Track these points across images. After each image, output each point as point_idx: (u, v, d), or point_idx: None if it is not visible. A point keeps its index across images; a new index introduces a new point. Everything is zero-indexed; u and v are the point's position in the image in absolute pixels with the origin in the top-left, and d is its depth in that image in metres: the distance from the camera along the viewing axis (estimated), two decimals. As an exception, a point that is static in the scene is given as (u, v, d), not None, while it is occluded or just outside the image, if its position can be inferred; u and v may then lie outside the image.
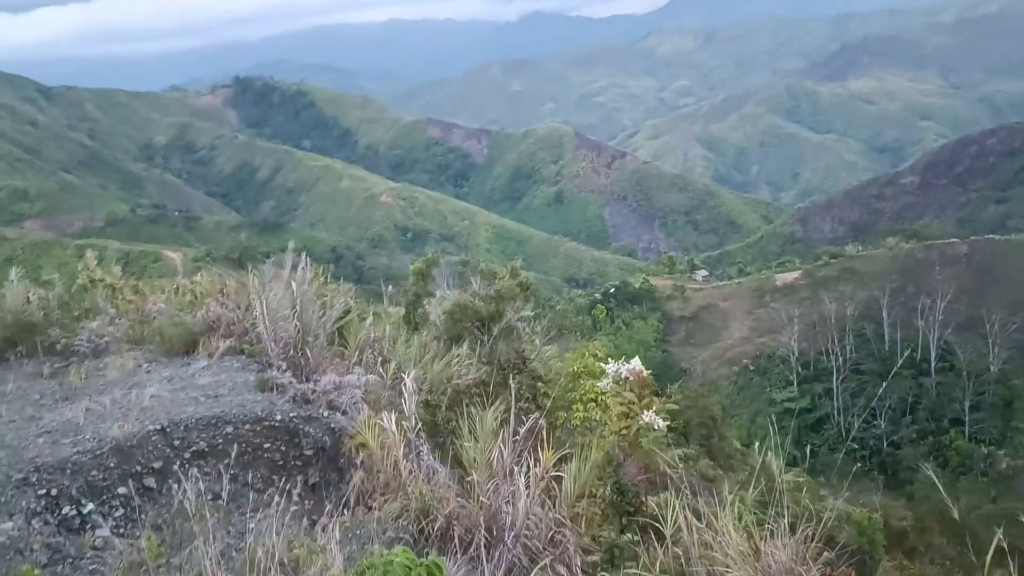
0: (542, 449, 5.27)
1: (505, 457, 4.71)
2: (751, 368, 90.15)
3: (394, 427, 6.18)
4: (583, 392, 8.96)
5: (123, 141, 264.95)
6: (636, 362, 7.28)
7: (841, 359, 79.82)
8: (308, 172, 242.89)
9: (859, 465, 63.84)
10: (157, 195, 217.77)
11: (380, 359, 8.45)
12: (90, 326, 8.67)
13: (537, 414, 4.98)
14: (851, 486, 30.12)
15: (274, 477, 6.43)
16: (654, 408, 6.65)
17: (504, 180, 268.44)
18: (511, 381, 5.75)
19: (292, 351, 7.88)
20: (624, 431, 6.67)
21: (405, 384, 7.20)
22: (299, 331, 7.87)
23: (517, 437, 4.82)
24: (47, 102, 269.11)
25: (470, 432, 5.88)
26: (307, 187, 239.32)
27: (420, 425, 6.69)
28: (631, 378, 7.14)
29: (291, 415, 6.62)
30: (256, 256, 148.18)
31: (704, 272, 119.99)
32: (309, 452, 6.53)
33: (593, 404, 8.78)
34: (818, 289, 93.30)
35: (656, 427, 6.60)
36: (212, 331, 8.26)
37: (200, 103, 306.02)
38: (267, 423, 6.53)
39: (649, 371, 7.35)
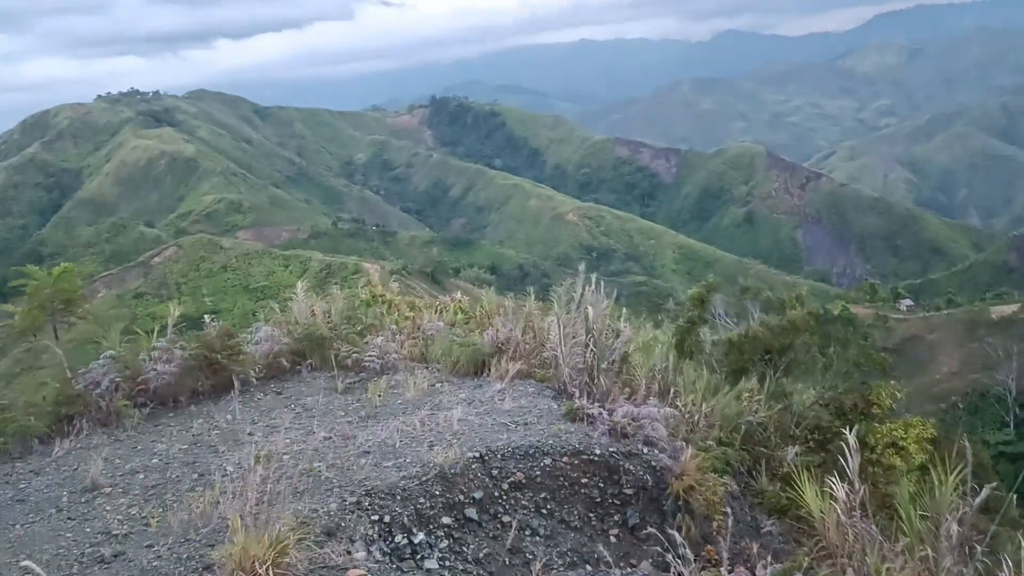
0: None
1: (953, 531, 4.04)
2: (960, 406, 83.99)
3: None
4: (884, 437, 8.12)
5: (327, 158, 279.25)
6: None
7: (1065, 401, 73.21)
8: (498, 190, 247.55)
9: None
10: (356, 210, 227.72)
11: (670, 390, 7.95)
12: (375, 342, 8.64)
13: (988, 485, 4.27)
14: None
15: (591, 515, 6.05)
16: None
17: (692, 200, 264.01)
18: (850, 431, 5.06)
19: (585, 378, 7.52)
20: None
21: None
22: (595, 358, 7.49)
23: (968, 509, 4.14)
24: (261, 121, 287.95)
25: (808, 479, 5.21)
26: (497, 205, 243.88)
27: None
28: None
29: (610, 449, 6.21)
30: (448, 271, 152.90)
31: (909, 301, 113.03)
32: (629, 491, 6.10)
33: (892, 450, 7.96)
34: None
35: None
36: (501, 353, 8.03)
37: (398, 122, 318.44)
38: (585, 456, 6.15)
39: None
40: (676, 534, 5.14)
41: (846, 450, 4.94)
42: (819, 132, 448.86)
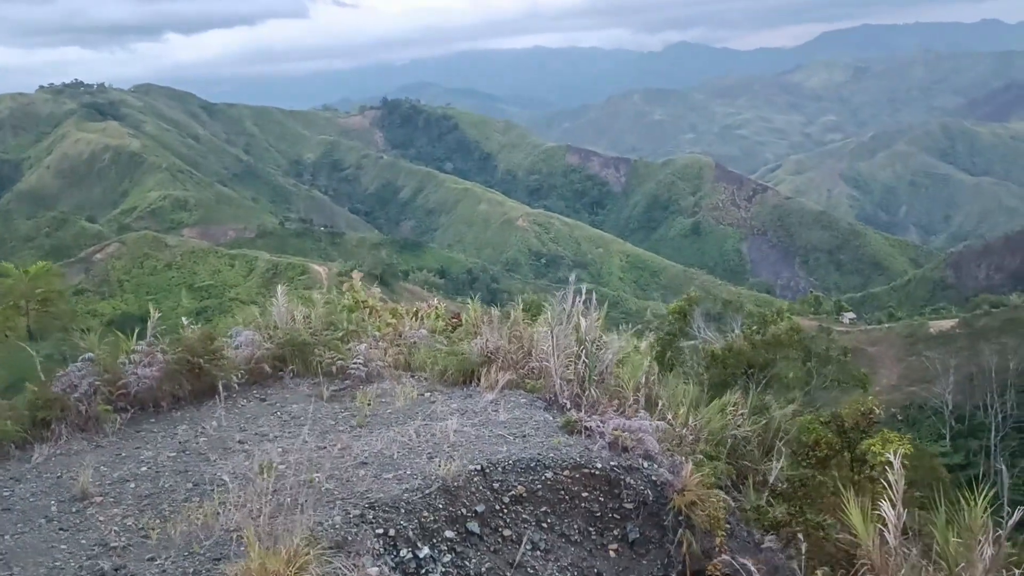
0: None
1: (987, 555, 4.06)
2: (899, 418, 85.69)
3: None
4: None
5: (276, 156, 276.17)
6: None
7: (1001, 415, 74.98)
8: (448, 194, 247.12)
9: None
10: (304, 210, 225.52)
11: (656, 403, 7.94)
12: (358, 349, 8.51)
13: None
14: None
15: (591, 529, 6.02)
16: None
17: (640, 209, 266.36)
18: (848, 450, 5.10)
19: (577, 389, 7.50)
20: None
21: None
22: (586, 369, 7.47)
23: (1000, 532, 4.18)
24: (209, 117, 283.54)
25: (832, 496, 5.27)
26: (447, 208, 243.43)
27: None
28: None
29: (611, 463, 6.18)
30: (397, 274, 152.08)
31: (852, 314, 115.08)
32: (629, 505, 6.07)
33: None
34: (977, 339, 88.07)
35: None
36: (490, 363, 7.96)
37: (349, 123, 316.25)
38: (586, 470, 6.12)
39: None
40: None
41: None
42: (767, 145, 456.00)
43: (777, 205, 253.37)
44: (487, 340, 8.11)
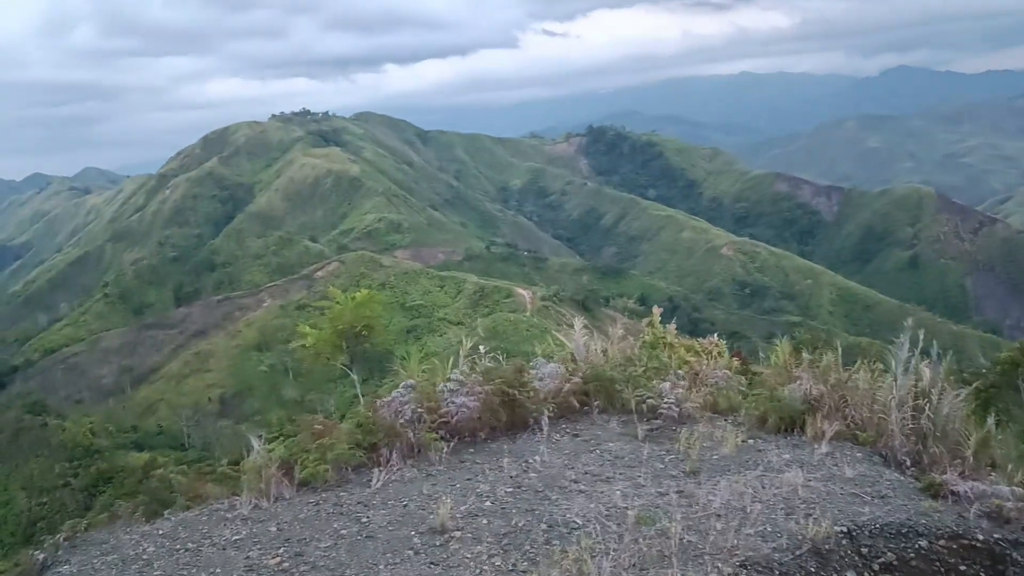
0: None
1: None
2: None
3: None
4: None
5: (484, 183, 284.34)
6: None
7: None
8: (651, 221, 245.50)
9: None
10: (510, 235, 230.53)
11: (993, 463, 7.18)
12: (662, 387, 8.24)
13: None
14: None
15: (973, 608, 5.42)
16: None
17: (853, 240, 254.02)
18: None
19: (918, 446, 6.89)
20: None
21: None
22: (932, 423, 6.85)
23: None
24: (423, 144, 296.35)
25: None
26: (649, 236, 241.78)
27: None
28: None
29: (994, 535, 5.57)
30: (599, 300, 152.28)
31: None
32: (1016, 584, 5.44)
33: None
34: None
35: None
36: (813, 411, 7.47)
37: (555, 150, 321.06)
38: (965, 541, 5.54)
39: None
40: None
41: None
42: (995, 174, 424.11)
43: (1007, 239, 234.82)
44: (809, 386, 7.62)
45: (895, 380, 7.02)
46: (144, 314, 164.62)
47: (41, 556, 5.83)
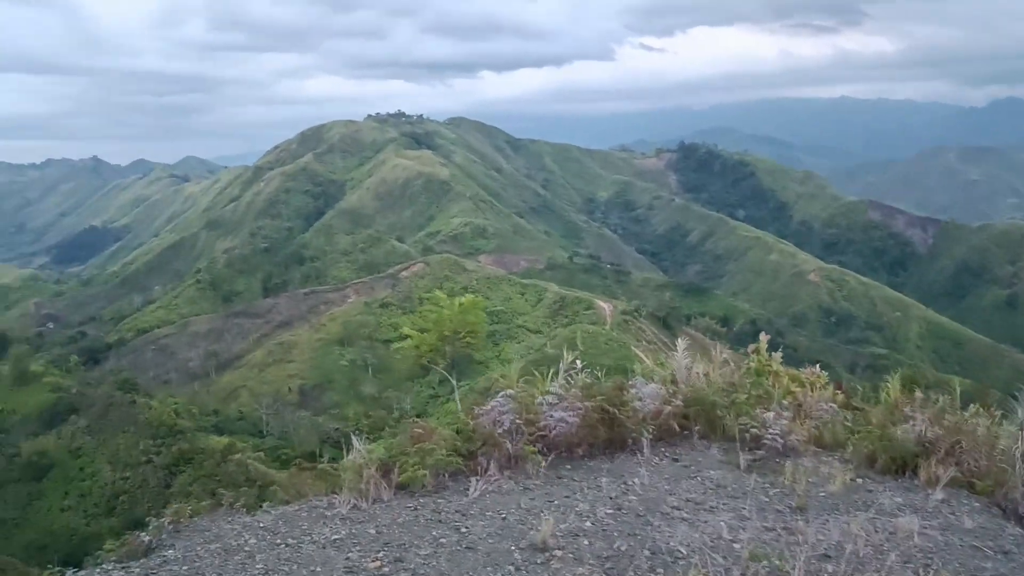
0: None
1: None
2: None
3: None
4: None
5: (571, 193, 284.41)
6: None
7: None
8: (738, 241, 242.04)
9: None
10: (594, 246, 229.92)
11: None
12: (765, 416, 8.01)
13: None
14: None
15: None
16: None
17: (947, 275, 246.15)
18: None
19: (1043, 499, 6.54)
20: None
21: None
22: (1058, 477, 6.50)
23: None
24: (513, 152, 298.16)
25: None
26: (735, 256, 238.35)
27: None
28: None
29: None
30: (680, 318, 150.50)
31: None
32: None
33: None
34: None
35: None
36: (927, 454, 7.16)
37: (644, 164, 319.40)
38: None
39: None
40: None
41: None
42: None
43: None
44: (924, 428, 7.31)
45: (1021, 429, 6.68)
46: (232, 302, 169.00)
47: (147, 538, 5.94)
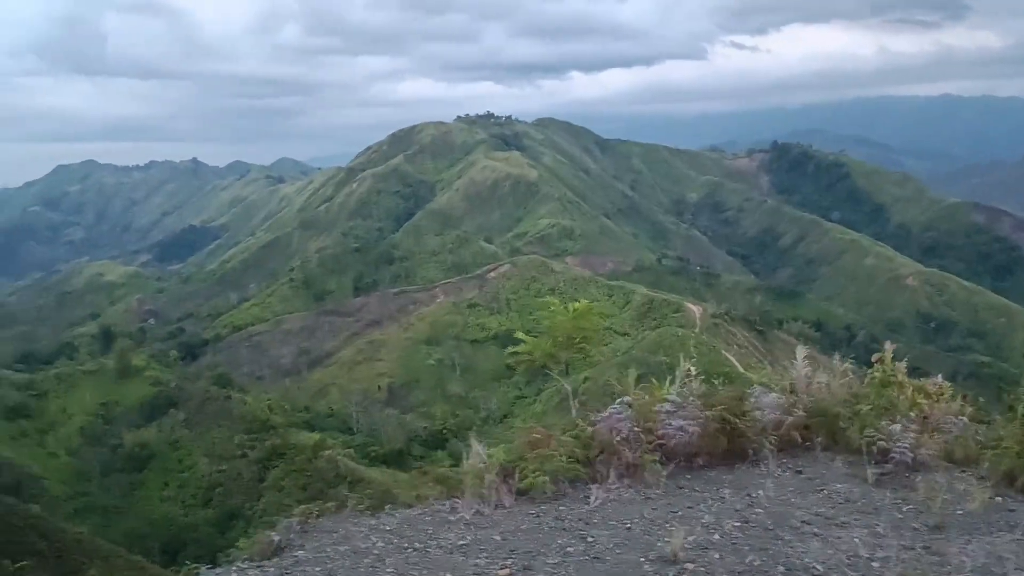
0: None
1: None
2: None
3: None
4: None
5: (659, 194, 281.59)
6: None
7: None
8: (832, 244, 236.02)
9: None
10: (682, 248, 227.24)
11: None
12: (892, 428, 7.72)
13: None
14: None
15: None
16: None
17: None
18: None
19: None
20: None
21: None
22: None
23: None
24: (601, 152, 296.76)
25: None
26: (829, 259, 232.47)
27: None
28: None
29: None
30: (772, 322, 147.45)
31: None
32: None
33: None
34: None
35: None
36: (1072, 474, 6.80)
37: (735, 165, 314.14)
38: None
39: None
40: None
41: None
42: None
43: None
44: (1068, 446, 6.94)
45: None
46: (324, 300, 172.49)
47: (276, 538, 6.03)
